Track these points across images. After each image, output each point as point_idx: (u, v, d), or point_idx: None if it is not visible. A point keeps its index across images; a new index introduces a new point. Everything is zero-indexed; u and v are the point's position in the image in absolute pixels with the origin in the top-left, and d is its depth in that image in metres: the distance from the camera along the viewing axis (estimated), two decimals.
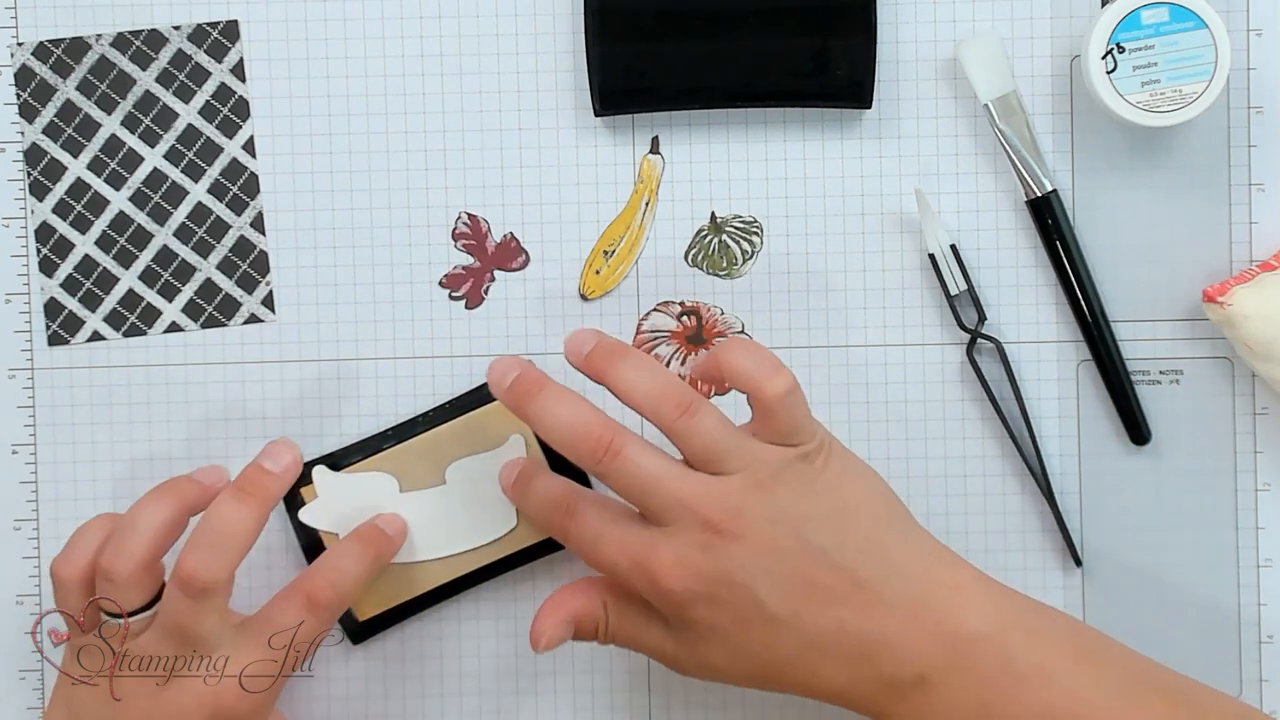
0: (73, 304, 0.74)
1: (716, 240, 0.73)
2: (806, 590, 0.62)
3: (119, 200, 0.74)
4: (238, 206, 0.74)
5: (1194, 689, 0.65)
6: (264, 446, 0.67)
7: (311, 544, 0.73)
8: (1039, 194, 0.72)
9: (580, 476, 0.71)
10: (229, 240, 0.74)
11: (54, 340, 0.74)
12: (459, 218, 0.74)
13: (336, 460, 0.73)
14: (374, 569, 0.69)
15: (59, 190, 0.74)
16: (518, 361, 0.66)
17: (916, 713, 0.63)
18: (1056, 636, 0.64)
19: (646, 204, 0.74)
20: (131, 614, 0.65)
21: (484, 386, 0.73)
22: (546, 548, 0.73)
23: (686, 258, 0.73)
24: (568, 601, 0.66)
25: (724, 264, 0.73)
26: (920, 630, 0.62)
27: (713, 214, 0.73)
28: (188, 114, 0.74)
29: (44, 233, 0.74)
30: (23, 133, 0.74)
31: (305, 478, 0.73)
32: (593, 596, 0.66)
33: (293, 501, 0.73)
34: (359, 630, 0.73)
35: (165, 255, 0.74)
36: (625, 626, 0.66)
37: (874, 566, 0.63)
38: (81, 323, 0.74)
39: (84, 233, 0.74)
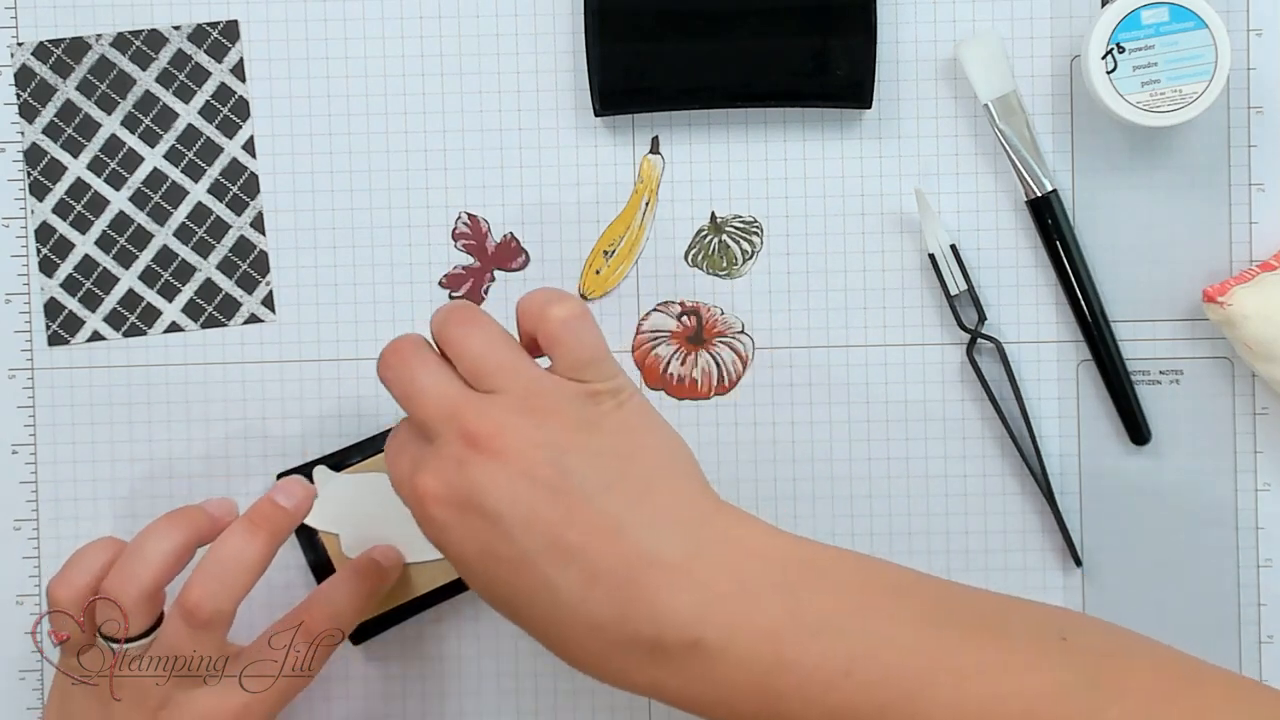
0: (73, 304, 0.74)
1: (716, 240, 0.73)
2: (557, 528, 0.56)
3: (119, 200, 0.74)
4: (238, 206, 0.74)
5: (1008, 608, 0.59)
6: (277, 482, 0.66)
7: (315, 554, 0.73)
8: (1039, 194, 0.72)
9: None
10: (229, 240, 0.74)
11: (54, 340, 0.74)
12: (459, 218, 0.74)
13: (337, 460, 0.73)
14: (369, 602, 0.69)
15: (59, 190, 0.74)
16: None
17: (698, 682, 0.56)
18: (849, 579, 0.58)
19: (646, 204, 0.74)
20: (130, 640, 0.64)
21: None
22: None
23: (686, 258, 0.73)
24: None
25: (724, 264, 0.73)
26: (690, 587, 0.56)
27: (713, 214, 0.73)
28: (188, 114, 0.74)
29: (44, 233, 0.74)
30: (23, 133, 0.74)
31: (309, 478, 0.73)
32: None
33: None
34: (359, 631, 0.73)
35: (165, 255, 0.74)
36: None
37: (640, 516, 0.57)
38: (81, 323, 0.74)
39: (84, 233, 0.74)
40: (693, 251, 0.73)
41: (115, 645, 0.64)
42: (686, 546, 0.57)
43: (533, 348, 0.61)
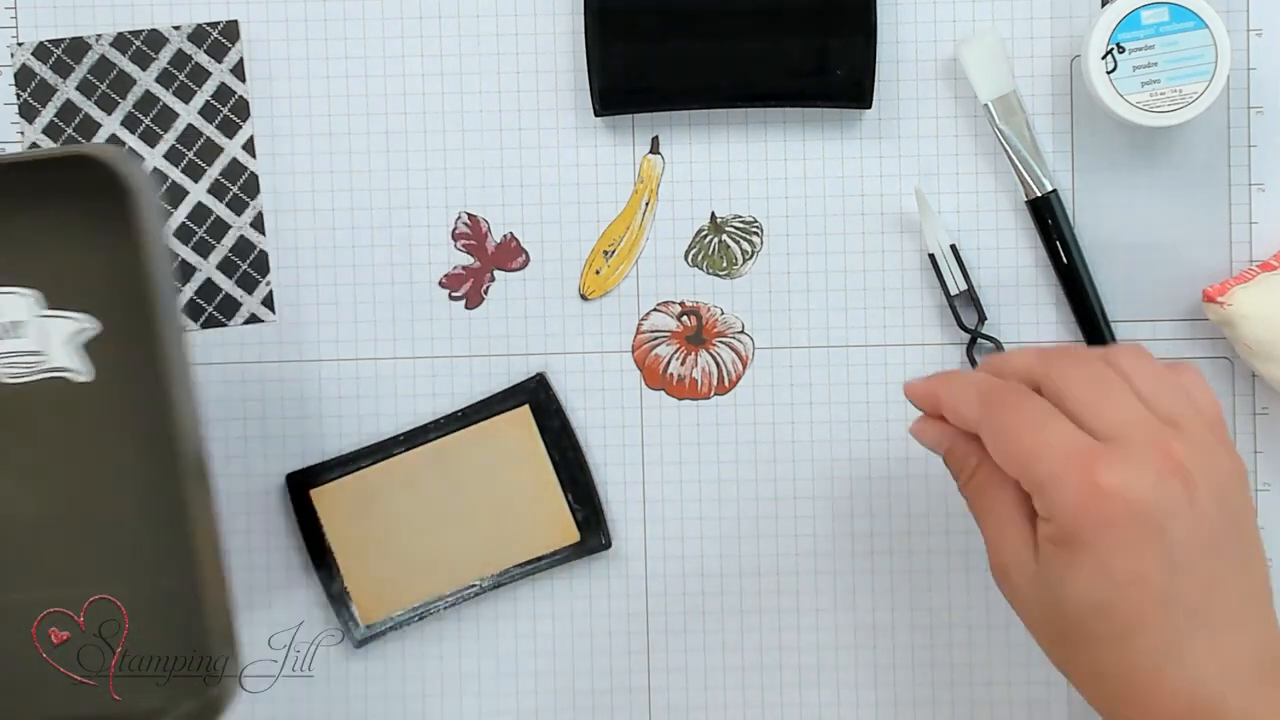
0: None
1: (716, 240, 0.73)
2: (1206, 589, 0.55)
3: None
4: (238, 206, 0.74)
5: None
6: None
7: (315, 548, 0.73)
8: (1039, 194, 0.72)
9: (578, 457, 0.72)
10: (229, 240, 0.74)
11: None
12: (459, 218, 0.74)
13: (347, 462, 0.73)
14: None
15: None
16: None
17: None
18: None
19: (646, 204, 0.74)
20: None
21: (495, 395, 0.73)
22: (550, 560, 0.73)
23: (686, 258, 0.73)
24: (949, 428, 0.61)
25: (724, 264, 0.73)
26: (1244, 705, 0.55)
27: (713, 214, 0.73)
28: (188, 114, 0.74)
29: None
30: (23, 133, 0.74)
31: (313, 480, 0.73)
32: (973, 444, 0.59)
33: (300, 503, 0.73)
34: (362, 635, 0.73)
35: None
36: (988, 492, 0.59)
37: (1257, 602, 0.56)
38: None
39: None
40: (693, 251, 0.73)
41: None
42: (1248, 698, 0.55)
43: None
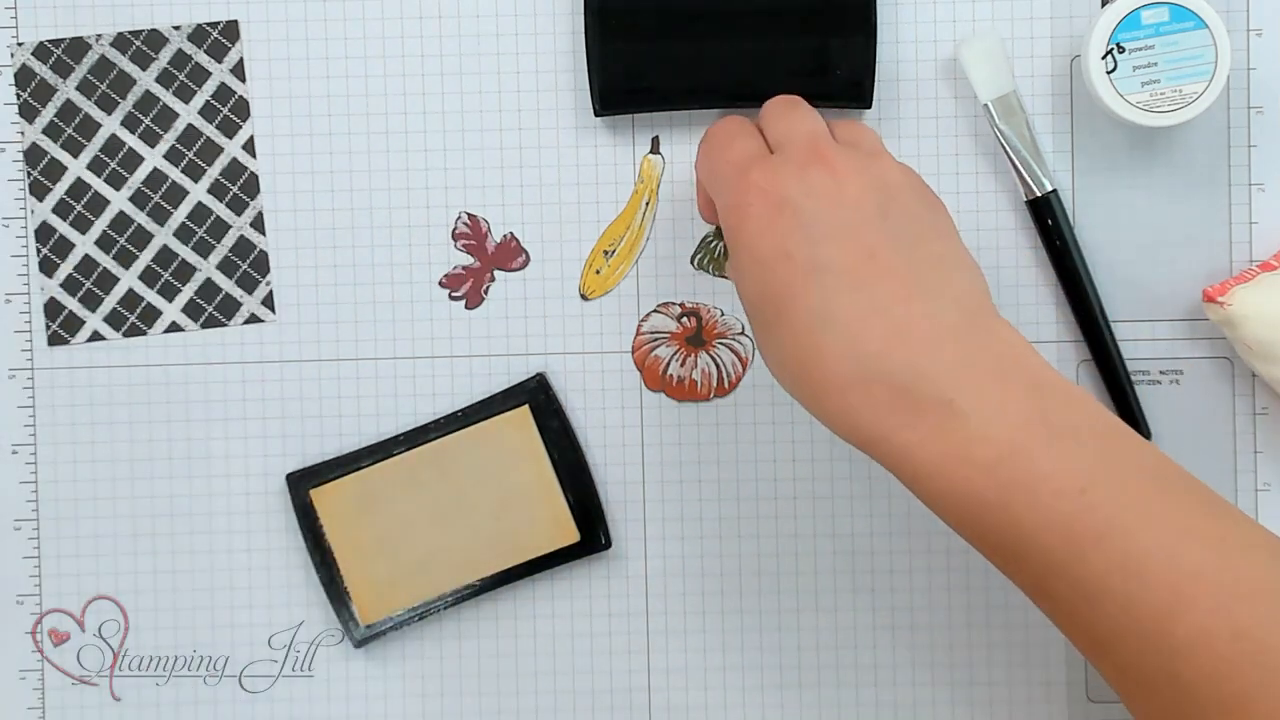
0: (73, 304, 0.74)
1: (722, 244, 0.73)
2: (859, 254, 0.58)
3: (119, 200, 0.74)
4: (238, 206, 0.74)
5: (1239, 515, 0.58)
6: None
7: (321, 554, 0.73)
8: (1039, 194, 0.72)
9: (577, 456, 0.72)
10: (229, 240, 0.74)
11: (54, 340, 0.74)
12: (459, 218, 0.74)
13: (347, 462, 0.73)
14: None
15: (59, 190, 0.74)
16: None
17: (931, 441, 0.56)
18: (1100, 411, 0.58)
19: (646, 204, 0.74)
20: None
21: (496, 395, 0.73)
22: (551, 560, 0.73)
23: (692, 261, 0.73)
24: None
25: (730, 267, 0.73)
26: (958, 354, 0.57)
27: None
28: (188, 114, 0.74)
29: (44, 233, 0.74)
30: (23, 133, 0.74)
31: (313, 480, 0.73)
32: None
33: (300, 503, 0.73)
34: (362, 635, 0.73)
35: (165, 255, 0.74)
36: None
37: (932, 278, 0.58)
38: (81, 323, 0.74)
39: (84, 233, 0.74)
40: (698, 255, 0.73)
41: None
42: (960, 322, 0.58)
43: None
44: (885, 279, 0.58)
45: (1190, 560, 0.55)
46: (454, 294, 0.74)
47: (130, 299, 0.74)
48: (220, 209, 0.74)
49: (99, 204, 0.74)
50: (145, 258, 0.74)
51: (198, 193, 0.74)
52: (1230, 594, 0.54)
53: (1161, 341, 0.73)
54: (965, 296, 0.59)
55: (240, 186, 0.74)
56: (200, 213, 0.74)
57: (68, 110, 0.74)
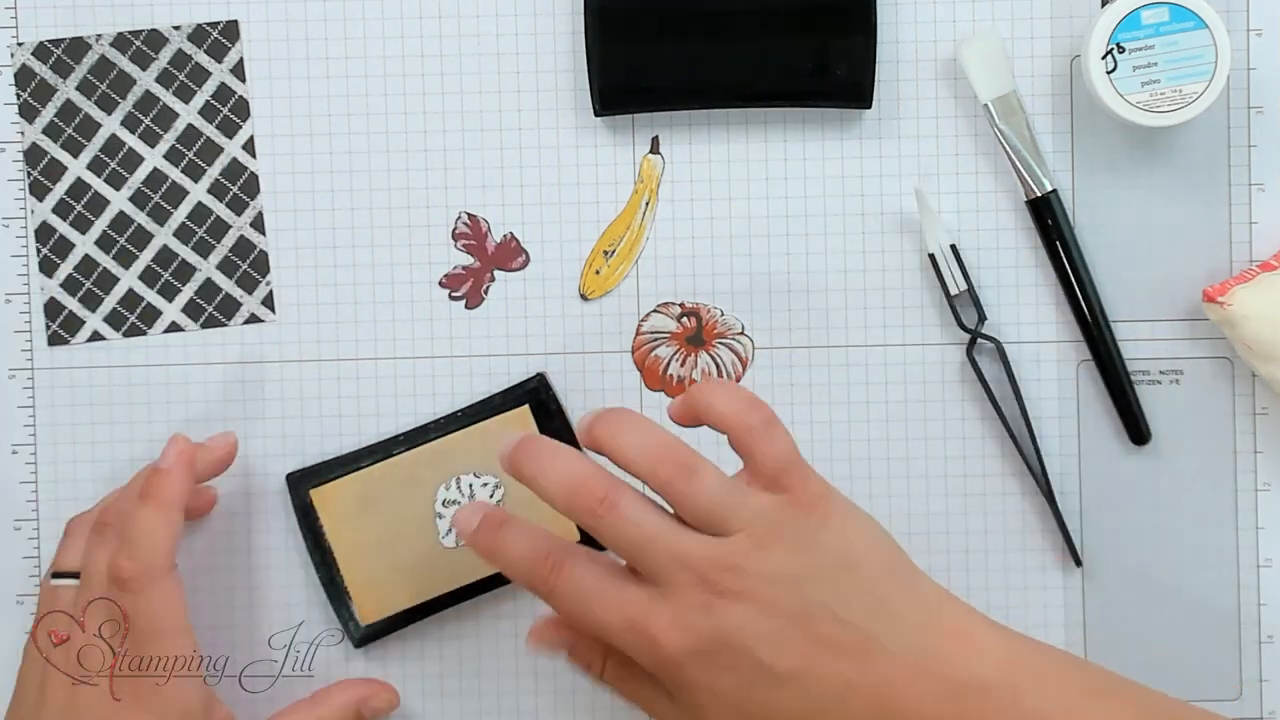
0: (73, 304, 0.74)
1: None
2: (810, 649, 0.60)
3: (119, 200, 0.74)
4: (238, 206, 0.74)
5: None
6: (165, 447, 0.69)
7: (321, 554, 0.73)
8: (1039, 194, 0.72)
9: None
10: (229, 240, 0.74)
11: (54, 340, 0.74)
12: (459, 218, 0.74)
13: (347, 462, 0.73)
14: (172, 518, 0.67)
15: (59, 190, 0.74)
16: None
17: None
18: (1065, 679, 0.62)
19: (646, 204, 0.74)
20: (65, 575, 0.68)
21: (495, 395, 0.73)
22: None
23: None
24: (566, 630, 0.65)
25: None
26: (928, 682, 0.60)
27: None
28: (188, 114, 0.74)
29: (44, 233, 0.74)
30: (23, 133, 0.74)
31: (313, 480, 0.73)
32: (595, 641, 0.64)
33: (300, 503, 0.73)
34: (362, 635, 0.73)
35: (165, 255, 0.74)
36: (625, 678, 0.64)
37: (878, 620, 0.61)
38: (81, 323, 0.74)
39: (84, 233, 0.74)
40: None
41: (64, 582, 0.68)
42: (922, 644, 0.61)
43: (688, 424, 0.64)
44: (840, 657, 0.60)
45: None
46: (454, 294, 0.74)
47: (130, 299, 0.74)
48: (220, 209, 0.74)
49: (99, 204, 0.74)
50: (145, 258, 0.74)
51: (198, 193, 0.74)
52: None
53: (1161, 341, 0.73)
54: (910, 605, 0.62)
55: (240, 186, 0.74)
56: (200, 213, 0.74)
57: (68, 110, 0.74)
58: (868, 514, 0.64)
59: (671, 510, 0.62)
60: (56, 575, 0.69)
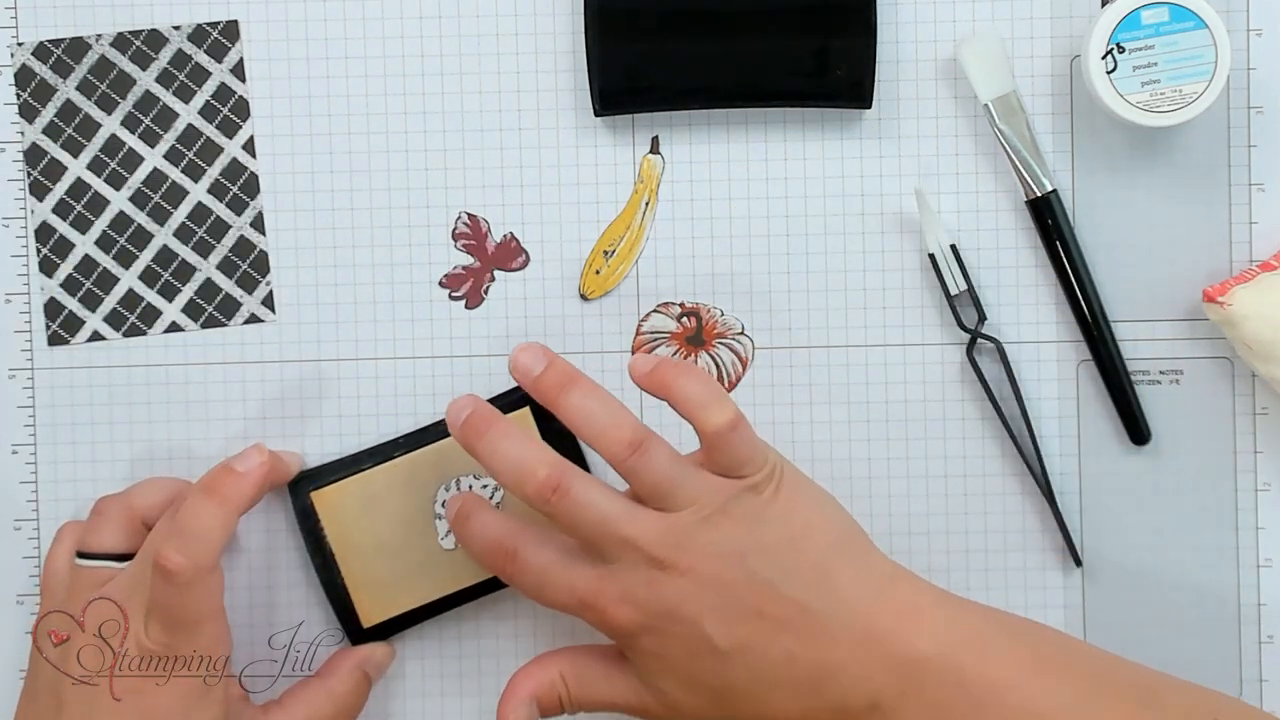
0: (73, 304, 0.74)
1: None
2: (753, 622, 0.62)
3: (119, 200, 0.74)
4: (238, 206, 0.74)
5: (1163, 686, 0.64)
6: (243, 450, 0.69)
7: (322, 556, 0.73)
8: (1039, 194, 0.72)
9: (577, 456, 0.72)
10: (229, 240, 0.74)
11: (54, 340, 0.74)
12: (459, 218, 0.74)
13: (348, 464, 0.73)
14: (230, 520, 0.67)
15: (59, 190, 0.74)
16: (471, 400, 0.66)
17: None
18: (1012, 650, 0.63)
19: (646, 204, 0.74)
20: (117, 558, 0.69)
21: (496, 397, 0.73)
22: None
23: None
24: (524, 683, 0.67)
25: None
26: (870, 657, 0.62)
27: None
28: (188, 114, 0.74)
29: (44, 233, 0.74)
30: (23, 133, 0.74)
31: (314, 481, 0.73)
32: (548, 670, 0.67)
33: (301, 505, 0.73)
34: (362, 636, 0.73)
35: (165, 255, 0.74)
36: (586, 691, 0.67)
37: (822, 596, 0.63)
38: (81, 323, 0.74)
39: (84, 233, 0.74)
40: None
41: (94, 563, 0.69)
42: (866, 619, 0.63)
43: (646, 385, 0.66)
44: (783, 628, 0.63)
45: None
46: (454, 294, 0.74)
47: (130, 299, 0.74)
48: (220, 209, 0.74)
49: (99, 204, 0.74)
50: (145, 258, 0.74)
51: (198, 193, 0.74)
52: None
53: (1161, 341, 0.73)
54: (856, 580, 0.64)
55: (240, 186, 0.74)
56: (200, 213, 0.74)
57: (68, 110, 0.74)
58: (823, 489, 0.66)
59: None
60: (84, 556, 0.69)
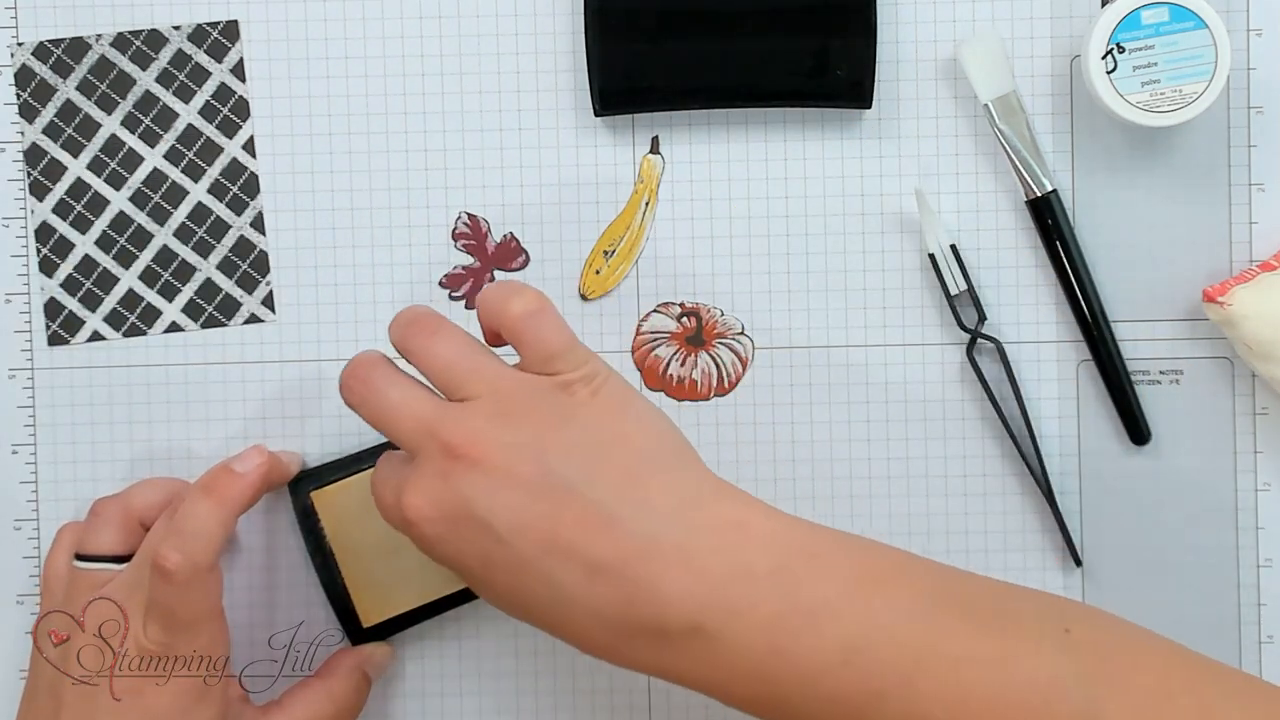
0: (73, 304, 0.74)
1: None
2: (549, 527, 0.57)
3: (119, 200, 0.74)
4: (238, 206, 0.74)
5: (1012, 595, 0.60)
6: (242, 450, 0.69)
7: (322, 556, 0.73)
8: (1039, 194, 0.72)
9: None
10: (229, 240, 0.74)
11: (54, 340, 0.74)
12: (459, 218, 0.74)
13: (348, 464, 0.73)
14: (229, 520, 0.67)
15: (59, 190, 0.74)
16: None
17: (700, 665, 0.57)
18: (846, 563, 0.58)
19: (646, 204, 0.74)
20: (115, 559, 0.69)
21: None
22: None
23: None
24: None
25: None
26: (687, 574, 0.56)
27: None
28: (188, 114, 0.74)
29: (44, 233, 0.74)
30: (23, 133, 0.74)
31: (314, 482, 0.73)
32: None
33: (301, 505, 0.73)
34: (363, 636, 0.73)
35: (165, 255, 0.74)
36: None
37: (631, 504, 0.57)
38: (81, 323, 0.74)
39: (84, 233, 0.74)
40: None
41: (92, 565, 0.69)
42: (681, 533, 0.57)
43: (496, 341, 0.62)
44: (582, 533, 0.57)
45: (972, 689, 0.56)
46: (454, 294, 0.74)
47: (130, 299, 0.74)
48: (220, 209, 0.74)
49: (99, 204, 0.74)
50: (145, 258, 0.74)
51: (198, 193, 0.74)
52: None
53: (1161, 341, 0.73)
54: (669, 488, 0.58)
55: (240, 186, 0.74)
56: (200, 213, 0.74)
57: (68, 110, 0.74)
58: (653, 406, 0.61)
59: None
60: (81, 558, 0.69)
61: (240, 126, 0.74)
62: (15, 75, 0.74)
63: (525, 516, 0.57)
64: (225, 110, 0.74)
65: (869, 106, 0.72)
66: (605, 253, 0.74)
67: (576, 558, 0.57)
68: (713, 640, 0.56)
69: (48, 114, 0.74)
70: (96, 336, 0.74)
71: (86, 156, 0.74)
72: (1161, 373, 0.73)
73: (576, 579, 0.57)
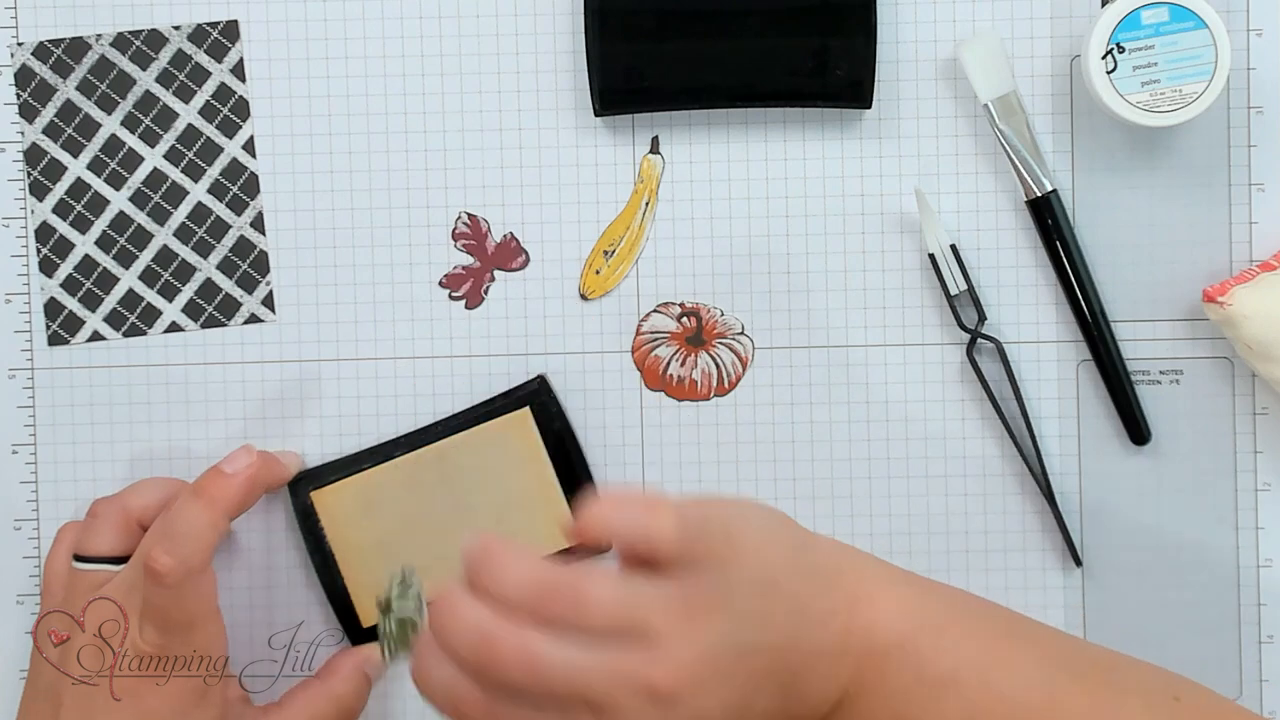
0: (73, 304, 0.74)
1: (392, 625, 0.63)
2: (753, 684, 0.56)
3: (119, 200, 0.74)
4: (238, 206, 0.74)
5: (1124, 665, 0.62)
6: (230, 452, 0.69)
7: (322, 555, 0.73)
8: (1039, 194, 0.72)
9: (580, 461, 0.72)
10: (229, 240, 0.74)
11: (54, 340, 0.74)
12: (459, 218, 0.74)
13: (348, 464, 0.73)
14: (219, 521, 0.67)
15: (59, 190, 0.74)
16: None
17: None
18: (968, 633, 0.59)
19: (646, 204, 0.74)
20: (113, 560, 0.69)
21: (496, 398, 0.73)
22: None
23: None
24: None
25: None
26: (831, 654, 0.57)
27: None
28: (188, 114, 0.74)
29: (44, 233, 0.74)
30: (23, 133, 0.74)
31: (314, 482, 0.73)
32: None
33: (301, 505, 0.73)
34: (362, 636, 0.73)
35: (165, 255, 0.74)
36: None
37: (796, 619, 0.57)
38: (81, 323, 0.74)
39: (84, 233, 0.74)
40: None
41: (91, 566, 0.69)
42: (832, 625, 0.58)
43: (589, 545, 0.59)
44: (778, 670, 0.56)
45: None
46: (454, 294, 0.74)
47: (130, 299, 0.74)
48: (220, 209, 0.74)
49: (99, 204, 0.74)
50: (145, 258, 0.74)
51: (198, 193, 0.74)
52: None
53: (1161, 341, 0.73)
54: (815, 593, 0.58)
55: (240, 186, 0.74)
56: (200, 213, 0.74)
57: (68, 110, 0.74)
58: (754, 504, 0.60)
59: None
60: (80, 559, 0.69)
61: (240, 126, 0.74)
62: (15, 75, 0.74)
63: (735, 690, 0.56)
64: (225, 110, 0.74)
65: (869, 106, 0.72)
66: (605, 253, 0.74)
67: (769, 686, 0.57)
68: (850, 707, 0.58)
69: (48, 114, 0.74)
70: (96, 336, 0.74)
71: (86, 156, 0.74)
72: (1161, 373, 0.73)
73: (768, 699, 0.57)
